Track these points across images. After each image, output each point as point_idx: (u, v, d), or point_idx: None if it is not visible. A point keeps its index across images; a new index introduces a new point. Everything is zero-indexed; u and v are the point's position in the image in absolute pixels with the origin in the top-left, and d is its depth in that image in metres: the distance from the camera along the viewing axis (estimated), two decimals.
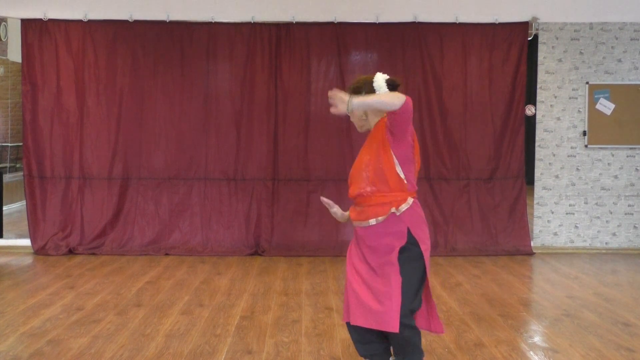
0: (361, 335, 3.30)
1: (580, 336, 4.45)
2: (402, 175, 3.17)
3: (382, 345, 3.32)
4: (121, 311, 4.97)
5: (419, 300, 3.23)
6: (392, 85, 3.26)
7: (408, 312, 3.14)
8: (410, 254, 3.15)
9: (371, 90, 3.23)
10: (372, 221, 3.18)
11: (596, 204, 7.44)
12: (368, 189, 3.20)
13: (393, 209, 3.15)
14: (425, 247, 3.20)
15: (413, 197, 3.22)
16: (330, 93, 3.09)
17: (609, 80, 7.38)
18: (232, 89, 7.30)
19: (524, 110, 7.37)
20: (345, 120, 7.30)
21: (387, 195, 3.17)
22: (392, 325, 3.10)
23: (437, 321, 3.36)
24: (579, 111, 7.41)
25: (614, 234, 7.45)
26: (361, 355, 3.39)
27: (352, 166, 3.37)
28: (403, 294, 3.11)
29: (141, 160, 7.29)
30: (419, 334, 3.25)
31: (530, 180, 7.60)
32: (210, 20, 7.22)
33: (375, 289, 3.15)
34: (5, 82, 10.56)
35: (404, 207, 3.16)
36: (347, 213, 3.43)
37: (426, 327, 3.35)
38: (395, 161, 3.15)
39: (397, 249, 3.14)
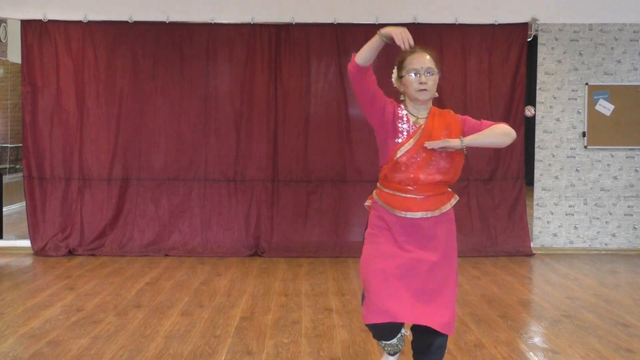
0: (392, 332, 3.23)
1: (579, 337, 4.46)
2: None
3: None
4: (121, 312, 4.97)
5: None
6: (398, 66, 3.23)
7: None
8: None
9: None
10: (446, 206, 3.14)
11: (596, 204, 7.44)
12: (438, 177, 3.11)
13: (452, 200, 3.20)
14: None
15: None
16: (440, 145, 3.02)
17: (608, 81, 7.39)
18: (231, 90, 7.31)
19: (524, 111, 7.38)
20: (345, 121, 7.31)
21: (446, 187, 3.21)
22: (449, 326, 3.08)
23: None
24: (579, 112, 7.41)
25: (613, 235, 7.45)
26: (390, 346, 3.30)
27: (416, 147, 3.09)
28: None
29: (141, 161, 7.29)
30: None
31: (529, 181, 7.61)
32: (210, 21, 7.22)
33: (437, 284, 3.10)
34: (5, 83, 10.55)
35: (455, 200, 3.24)
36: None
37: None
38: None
39: (455, 240, 3.19)
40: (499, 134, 3.14)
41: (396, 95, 3.27)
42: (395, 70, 3.29)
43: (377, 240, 3.16)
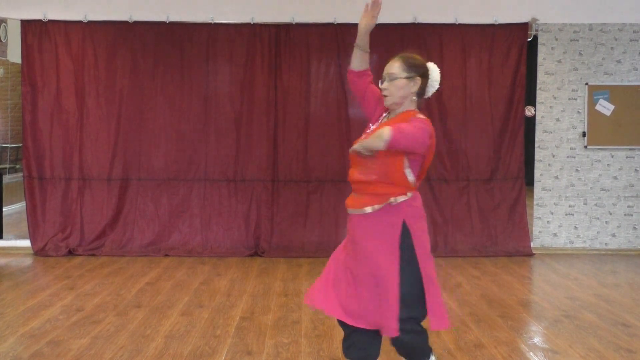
0: (360, 339, 3.19)
1: (580, 337, 4.46)
2: (409, 177, 3.12)
3: (378, 349, 3.26)
4: (121, 312, 4.97)
5: (422, 308, 3.13)
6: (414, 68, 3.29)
7: (407, 317, 3.06)
8: (404, 256, 3.10)
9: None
10: (369, 209, 3.12)
11: (596, 204, 7.44)
12: (373, 177, 3.12)
13: (391, 199, 3.09)
14: (421, 243, 3.13)
15: (413, 192, 3.15)
16: (356, 148, 3.03)
17: (608, 81, 7.39)
18: (231, 90, 7.31)
19: (524, 111, 7.38)
20: (345, 121, 7.30)
21: (388, 186, 3.11)
22: (392, 328, 3.05)
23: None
24: (579, 112, 7.41)
25: (613, 235, 7.45)
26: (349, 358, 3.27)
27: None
28: (401, 295, 3.05)
29: (141, 161, 7.29)
30: (423, 336, 3.19)
31: (529, 181, 7.61)
32: (210, 21, 7.22)
33: (370, 285, 3.09)
34: (5, 83, 10.55)
35: (401, 198, 3.10)
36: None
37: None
38: (406, 163, 3.10)
39: (397, 240, 3.08)
40: (374, 136, 2.98)
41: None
42: None
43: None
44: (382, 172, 3.10)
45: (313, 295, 3.29)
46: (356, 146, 3.01)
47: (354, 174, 3.20)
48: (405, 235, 3.10)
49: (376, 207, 3.10)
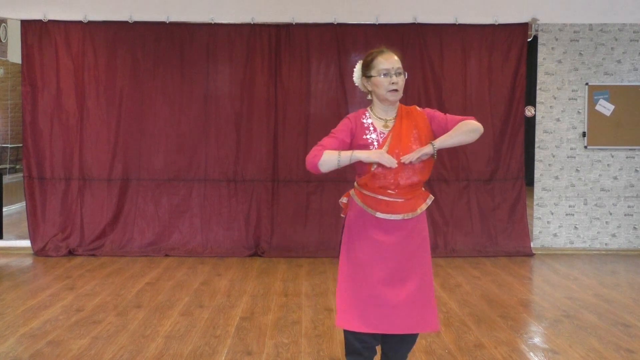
0: (367, 342, 3.22)
1: (580, 337, 4.46)
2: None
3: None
4: (121, 312, 4.97)
5: None
6: (361, 71, 3.25)
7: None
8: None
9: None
10: (419, 210, 3.17)
11: (596, 205, 7.44)
12: (415, 179, 3.14)
13: (430, 196, 3.24)
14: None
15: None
16: (415, 157, 3.02)
17: (608, 81, 7.39)
18: (231, 90, 7.31)
19: (524, 111, 7.38)
20: None
21: (422, 186, 3.23)
22: (434, 323, 3.14)
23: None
24: (579, 112, 7.41)
25: (613, 235, 7.45)
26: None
27: (389, 154, 3.11)
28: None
29: (141, 162, 7.29)
30: None
31: (529, 181, 7.61)
32: (210, 21, 7.22)
33: (420, 284, 3.15)
34: (5, 83, 10.55)
35: (431, 198, 3.26)
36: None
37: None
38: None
39: (427, 235, 3.24)
40: (465, 131, 3.11)
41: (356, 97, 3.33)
42: (358, 70, 3.28)
43: (355, 247, 3.20)
44: (427, 171, 3.18)
45: (350, 319, 3.16)
46: (419, 154, 3.02)
47: (402, 179, 3.11)
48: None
49: (424, 206, 3.19)
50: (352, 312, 3.12)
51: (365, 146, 3.13)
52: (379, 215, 3.13)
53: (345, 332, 3.19)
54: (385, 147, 3.11)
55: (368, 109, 3.25)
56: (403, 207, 3.13)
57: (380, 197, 3.15)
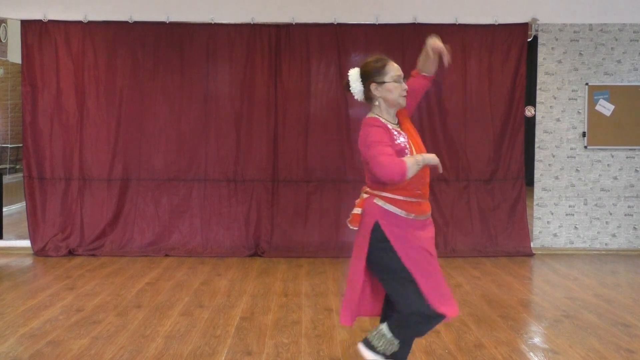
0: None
1: (580, 337, 4.45)
2: None
3: None
4: (121, 312, 4.97)
5: None
6: (364, 77, 3.26)
7: None
8: None
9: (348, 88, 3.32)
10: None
11: (596, 205, 7.44)
12: (429, 178, 3.33)
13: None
14: None
15: None
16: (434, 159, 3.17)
17: (608, 81, 7.39)
18: (231, 90, 7.31)
19: (524, 111, 7.38)
20: (345, 121, 7.30)
21: None
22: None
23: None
24: (579, 112, 7.41)
25: (613, 235, 7.45)
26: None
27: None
28: None
29: (141, 162, 7.29)
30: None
31: (529, 181, 7.61)
32: (210, 21, 7.22)
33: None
34: (5, 83, 10.55)
35: None
36: None
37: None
38: None
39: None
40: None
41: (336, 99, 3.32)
42: (358, 77, 3.27)
43: (408, 247, 3.20)
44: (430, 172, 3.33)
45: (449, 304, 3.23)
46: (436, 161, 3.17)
47: (426, 181, 3.30)
48: None
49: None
50: (445, 301, 3.20)
51: (401, 150, 3.17)
52: (414, 217, 3.22)
53: (427, 319, 3.17)
54: (409, 147, 3.23)
55: (375, 115, 3.26)
56: (428, 206, 3.33)
57: (412, 199, 3.23)
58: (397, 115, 3.32)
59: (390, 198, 3.21)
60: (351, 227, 3.29)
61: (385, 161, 3.02)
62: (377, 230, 3.19)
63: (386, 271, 3.20)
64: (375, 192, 3.23)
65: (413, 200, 3.23)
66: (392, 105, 3.26)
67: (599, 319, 4.87)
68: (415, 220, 3.22)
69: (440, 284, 3.21)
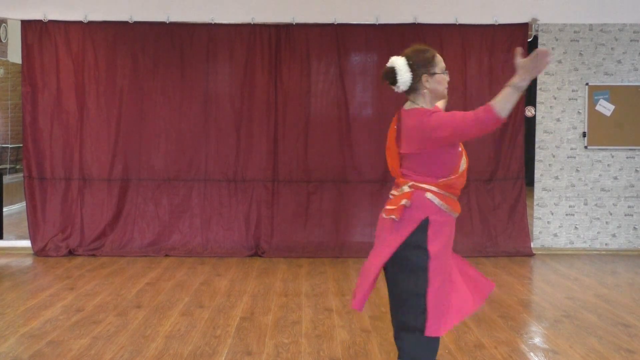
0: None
1: (580, 337, 4.45)
2: None
3: None
4: (121, 312, 4.97)
5: None
6: (414, 67, 3.14)
7: None
8: None
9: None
10: None
11: (596, 205, 7.44)
12: None
13: None
14: None
15: None
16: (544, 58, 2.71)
17: (608, 81, 7.39)
18: (232, 90, 7.31)
19: (524, 111, 7.38)
20: (345, 122, 7.30)
21: None
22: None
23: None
24: (579, 112, 7.41)
25: (613, 235, 7.45)
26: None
27: (464, 157, 3.19)
28: None
29: (141, 162, 7.29)
30: None
31: (530, 181, 7.61)
32: (210, 21, 7.22)
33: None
34: (5, 83, 10.56)
35: None
36: None
37: None
38: None
39: None
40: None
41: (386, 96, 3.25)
42: (407, 68, 3.14)
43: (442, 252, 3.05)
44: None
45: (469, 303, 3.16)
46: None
47: (465, 180, 3.19)
48: None
49: None
50: (447, 313, 3.02)
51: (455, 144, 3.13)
52: (456, 215, 3.11)
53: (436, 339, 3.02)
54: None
55: (420, 105, 3.09)
56: (460, 205, 3.17)
57: (454, 197, 3.11)
58: None
59: (441, 194, 3.03)
60: (390, 218, 3.02)
61: (468, 115, 2.88)
62: (422, 229, 2.98)
63: (405, 281, 2.98)
64: (424, 186, 3.02)
65: (455, 198, 3.10)
66: (438, 97, 3.14)
67: (599, 319, 4.87)
68: (454, 220, 3.10)
69: (448, 296, 3.03)
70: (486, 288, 3.25)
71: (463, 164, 3.16)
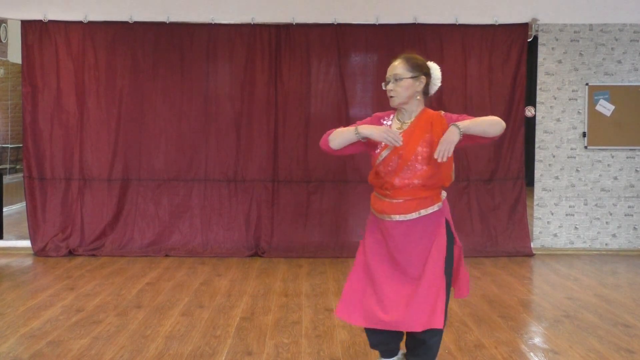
0: (387, 338, 3.35)
1: (580, 337, 4.46)
2: (453, 174, 3.31)
3: (399, 341, 3.44)
4: (121, 312, 4.97)
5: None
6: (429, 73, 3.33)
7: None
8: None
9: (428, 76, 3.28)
10: (424, 211, 3.19)
11: (596, 205, 7.44)
12: (416, 182, 3.18)
13: (439, 204, 3.24)
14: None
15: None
16: (443, 149, 3.01)
17: (608, 81, 7.39)
18: (232, 90, 7.31)
19: (524, 111, 7.38)
20: (345, 122, 7.28)
21: (431, 190, 3.22)
22: (431, 322, 3.12)
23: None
24: (579, 112, 7.41)
25: (613, 235, 7.45)
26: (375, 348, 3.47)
27: (391, 154, 3.20)
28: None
29: (141, 162, 7.30)
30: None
31: (530, 181, 7.61)
32: (210, 21, 7.22)
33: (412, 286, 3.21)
34: (5, 83, 10.56)
35: (439, 205, 3.27)
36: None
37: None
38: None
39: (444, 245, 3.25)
40: (490, 122, 3.18)
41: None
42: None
43: (364, 243, 3.35)
44: (438, 176, 3.22)
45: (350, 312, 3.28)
46: (445, 151, 3.02)
47: (398, 179, 3.21)
48: (449, 233, 3.30)
49: (422, 211, 3.22)
50: (353, 305, 3.26)
51: (374, 145, 3.24)
52: (377, 215, 3.29)
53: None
54: (388, 149, 3.21)
55: (392, 113, 3.37)
56: (396, 208, 3.19)
57: (380, 196, 3.29)
58: (423, 115, 3.28)
59: (373, 192, 3.37)
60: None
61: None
62: (448, 229, 3.28)
63: (447, 272, 3.31)
64: (437, 191, 3.28)
65: (382, 198, 3.32)
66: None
67: (599, 319, 4.87)
68: (381, 220, 3.34)
69: (363, 290, 3.34)
70: (410, 323, 3.14)
71: (378, 160, 3.27)
